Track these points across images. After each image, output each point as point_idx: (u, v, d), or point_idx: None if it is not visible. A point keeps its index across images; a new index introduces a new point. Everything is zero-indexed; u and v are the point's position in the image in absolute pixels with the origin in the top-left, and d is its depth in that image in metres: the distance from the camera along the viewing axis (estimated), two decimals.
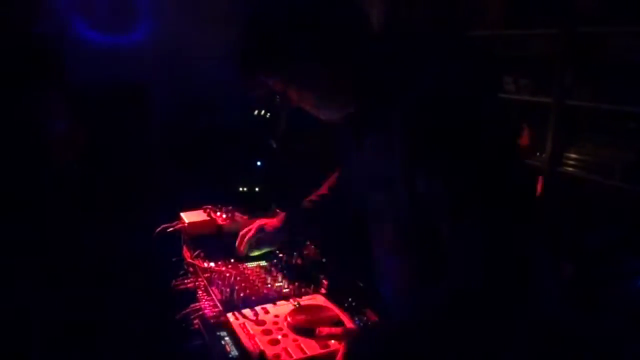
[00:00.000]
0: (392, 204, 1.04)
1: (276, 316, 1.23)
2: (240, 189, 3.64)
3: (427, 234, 0.98)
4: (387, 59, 1.02)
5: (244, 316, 1.22)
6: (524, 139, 3.12)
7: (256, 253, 1.54)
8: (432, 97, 0.91)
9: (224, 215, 1.72)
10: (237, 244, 1.53)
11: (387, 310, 1.23)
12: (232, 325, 1.18)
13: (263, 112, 4.04)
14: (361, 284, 1.41)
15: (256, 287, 1.36)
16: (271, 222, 1.56)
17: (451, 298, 0.92)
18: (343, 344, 1.03)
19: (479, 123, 0.91)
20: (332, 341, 1.12)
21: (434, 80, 0.93)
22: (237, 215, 1.74)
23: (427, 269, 1.04)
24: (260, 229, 1.54)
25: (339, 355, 1.00)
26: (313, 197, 1.57)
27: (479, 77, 1.00)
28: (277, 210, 1.78)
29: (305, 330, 1.15)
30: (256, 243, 1.53)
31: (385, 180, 1.03)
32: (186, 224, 1.65)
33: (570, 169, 2.86)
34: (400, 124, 0.94)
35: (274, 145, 4.03)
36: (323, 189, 1.57)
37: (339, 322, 1.19)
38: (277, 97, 1.21)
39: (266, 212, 1.82)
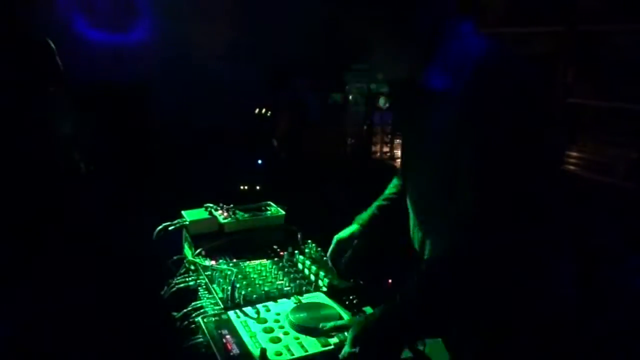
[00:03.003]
0: (437, 163, 1.06)
1: (277, 314, 1.23)
2: (242, 187, 3.65)
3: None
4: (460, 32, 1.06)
5: (245, 314, 1.22)
6: None
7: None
8: (500, 74, 0.95)
9: (225, 214, 1.72)
10: (335, 263, 1.47)
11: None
12: (233, 323, 1.18)
13: (264, 110, 4.04)
14: (361, 282, 1.41)
15: (257, 285, 1.36)
16: (349, 234, 1.47)
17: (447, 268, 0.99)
18: (350, 333, 1.05)
19: (538, 112, 0.97)
20: (335, 338, 1.12)
21: (504, 61, 0.98)
22: (238, 213, 1.75)
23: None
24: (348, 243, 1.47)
25: (349, 341, 1.03)
26: (379, 201, 1.49)
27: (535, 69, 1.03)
28: (279, 210, 1.77)
29: (308, 328, 1.15)
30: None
31: (433, 139, 1.06)
32: (187, 223, 1.65)
33: (572, 167, 2.86)
34: (464, 93, 0.96)
35: (275, 144, 4.03)
36: (387, 193, 1.50)
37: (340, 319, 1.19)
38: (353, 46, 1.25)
39: (266, 211, 1.82)
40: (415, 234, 1.24)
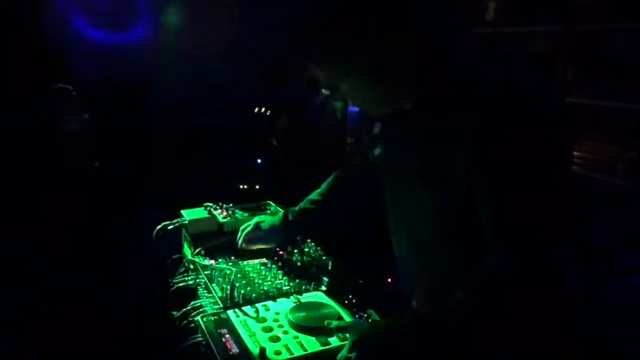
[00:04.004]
0: (438, 193, 0.99)
1: (277, 313, 1.23)
2: (241, 186, 3.65)
3: (466, 229, 0.95)
4: (454, 54, 0.96)
5: (245, 313, 1.22)
6: None
7: (253, 248, 1.54)
8: (506, 102, 0.88)
9: (225, 213, 1.72)
10: (237, 237, 1.54)
11: (406, 306, 1.22)
12: (232, 323, 1.18)
13: (263, 109, 4.04)
14: (361, 281, 1.42)
15: (257, 284, 1.36)
16: (270, 220, 1.56)
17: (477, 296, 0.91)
18: (350, 337, 1.04)
19: (549, 136, 0.89)
20: (334, 337, 1.12)
21: (508, 85, 0.90)
22: (238, 213, 1.74)
23: (463, 262, 1.01)
24: (258, 226, 1.54)
25: (348, 345, 1.01)
26: (314, 196, 1.56)
27: (544, 87, 0.98)
28: (278, 209, 1.78)
29: (307, 328, 1.15)
30: (252, 239, 1.53)
31: (434, 168, 0.97)
32: (187, 222, 1.65)
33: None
34: (469, 121, 0.89)
35: (275, 143, 4.03)
36: (323, 188, 1.55)
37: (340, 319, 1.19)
38: (322, 90, 1.11)
39: (266, 210, 1.82)
40: (406, 267, 1.21)
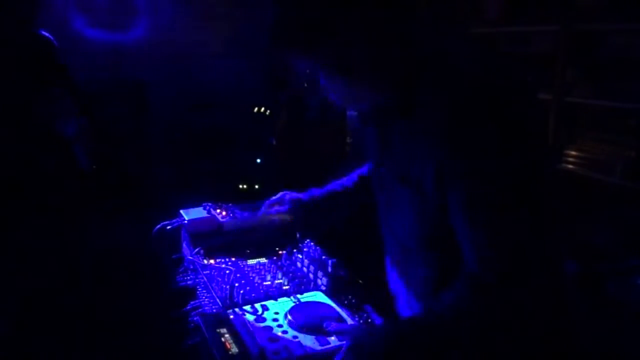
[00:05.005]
0: (419, 197, 0.98)
1: (276, 313, 1.23)
2: (240, 186, 3.65)
3: (449, 230, 0.95)
4: (433, 45, 0.96)
5: (244, 313, 1.22)
6: None
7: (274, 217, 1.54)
8: (483, 87, 0.88)
9: (224, 213, 1.72)
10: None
11: (396, 310, 1.22)
12: (232, 323, 1.18)
13: (263, 109, 4.04)
14: (360, 281, 1.41)
15: (256, 284, 1.36)
16: (294, 196, 1.54)
17: (469, 295, 0.90)
18: (347, 340, 1.04)
19: (527, 119, 0.90)
20: (333, 337, 1.12)
21: (484, 71, 0.91)
22: (237, 212, 1.74)
23: (449, 267, 1.00)
24: (281, 199, 1.54)
25: (342, 351, 1.00)
26: (337, 186, 1.53)
27: (522, 74, 0.99)
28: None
29: (306, 328, 1.15)
30: (269, 209, 1.54)
31: (414, 171, 0.98)
32: (186, 222, 1.65)
33: (571, 166, 2.86)
34: (446, 112, 0.88)
35: (274, 143, 4.03)
36: (348, 180, 1.53)
37: (340, 319, 1.19)
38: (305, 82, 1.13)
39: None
40: (393, 271, 1.21)
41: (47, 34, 2.31)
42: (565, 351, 1.04)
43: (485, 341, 0.93)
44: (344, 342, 1.06)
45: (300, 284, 1.38)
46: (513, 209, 0.88)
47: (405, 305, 1.21)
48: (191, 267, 1.49)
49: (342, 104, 1.06)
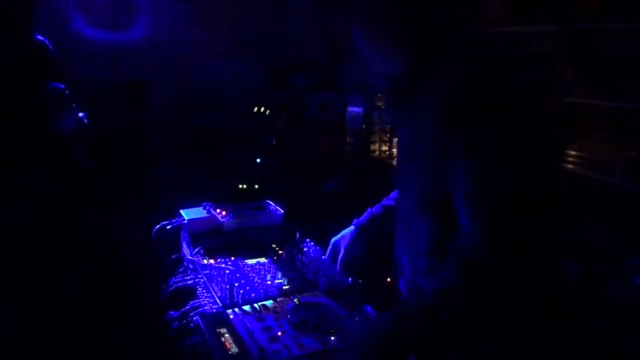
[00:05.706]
0: (420, 170, 1.04)
1: (276, 313, 1.23)
2: (240, 186, 3.65)
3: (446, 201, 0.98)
4: (446, 24, 1.06)
5: (244, 313, 1.22)
6: None
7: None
8: (482, 68, 0.94)
9: (224, 213, 1.72)
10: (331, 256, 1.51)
11: (403, 285, 1.21)
12: (232, 322, 1.18)
13: (263, 109, 4.04)
14: (360, 281, 1.42)
15: (256, 284, 1.36)
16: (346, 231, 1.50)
17: (458, 278, 0.92)
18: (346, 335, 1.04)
19: (526, 101, 0.95)
20: (333, 337, 1.12)
21: (486, 53, 0.98)
22: (237, 212, 1.74)
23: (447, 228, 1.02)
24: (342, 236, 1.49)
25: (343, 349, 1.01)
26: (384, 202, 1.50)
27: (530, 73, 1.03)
28: (277, 209, 1.77)
29: (306, 327, 1.15)
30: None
31: (417, 145, 1.03)
32: (186, 221, 1.65)
33: (571, 166, 2.86)
34: (445, 87, 0.95)
35: (274, 143, 4.03)
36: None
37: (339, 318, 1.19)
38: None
39: (266, 210, 1.82)
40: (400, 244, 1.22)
41: (42, 38, 2.31)
42: (566, 352, 1.04)
43: (466, 318, 0.96)
44: (344, 342, 1.06)
45: (300, 284, 1.38)
46: (510, 187, 0.90)
47: (410, 270, 1.21)
48: (191, 267, 1.49)
49: (373, 70, 1.15)
